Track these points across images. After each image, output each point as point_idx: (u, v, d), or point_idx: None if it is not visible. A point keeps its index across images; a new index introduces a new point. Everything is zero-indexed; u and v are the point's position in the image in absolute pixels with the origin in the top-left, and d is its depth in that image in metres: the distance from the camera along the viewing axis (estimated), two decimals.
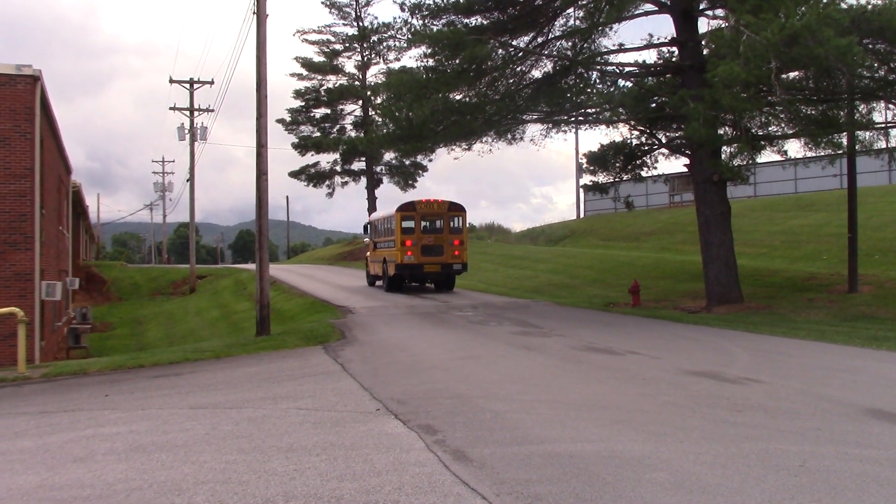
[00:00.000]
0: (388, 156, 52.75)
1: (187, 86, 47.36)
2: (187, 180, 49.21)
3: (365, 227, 34.19)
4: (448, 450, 6.78)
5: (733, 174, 20.79)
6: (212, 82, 47.68)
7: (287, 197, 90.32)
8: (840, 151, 22.37)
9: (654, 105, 23.55)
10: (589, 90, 23.53)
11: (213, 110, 49.62)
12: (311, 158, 57.44)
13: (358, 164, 57.58)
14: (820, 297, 21.39)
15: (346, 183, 58.73)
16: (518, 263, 38.39)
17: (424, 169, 57.07)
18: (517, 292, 28.30)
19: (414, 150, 24.61)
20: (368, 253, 33.45)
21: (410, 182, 57.46)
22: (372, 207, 54.58)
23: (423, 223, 28.41)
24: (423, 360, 12.75)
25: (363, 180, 57.81)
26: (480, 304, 23.63)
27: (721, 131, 21.41)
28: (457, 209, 28.86)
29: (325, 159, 57.71)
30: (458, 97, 23.40)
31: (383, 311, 21.89)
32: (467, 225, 30.04)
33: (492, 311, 21.79)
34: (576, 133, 57.49)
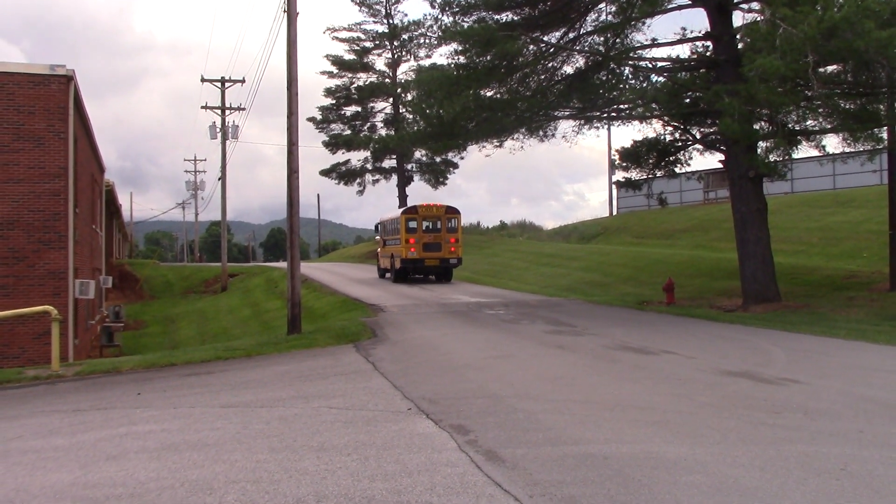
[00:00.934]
0: (419, 153, 52.83)
1: (218, 84, 47.77)
2: (219, 178, 49.72)
3: (376, 227, 39.29)
4: (480, 450, 6.75)
5: (769, 170, 20.52)
6: (243, 81, 48.07)
7: (318, 195, 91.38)
8: (881, 146, 21.95)
9: (687, 100, 23.30)
10: (621, 86, 23.36)
11: (244, 109, 50.18)
12: (341, 156, 57.80)
13: (388, 162, 57.73)
14: (860, 296, 21.01)
15: (376, 181, 59.02)
16: (550, 261, 38.28)
17: (455, 166, 57.16)
18: (549, 290, 28.23)
19: (445, 147, 24.65)
20: (379, 249, 38.44)
21: (441, 179, 57.61)
22: (403, 205, 54.66)
23: (424, 224, 32.66)
24: (455, 359, 12.73)
25: (394, 178, 57.97)
26: (512, 303, 23.60)
27: (757, 126, 21.10)
28: (453, 212, 33.20)
29: (356, 157, 58.00)
30: (489, 94, 23.34)
31: (415, 310, 21.92)
32: (461, 225, 34.13)
33: (524, 309, 21.74)
34: (608, 129, 57.00)
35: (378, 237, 39.14)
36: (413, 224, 32.55)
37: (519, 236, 57.11)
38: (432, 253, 32.55)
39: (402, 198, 56.26)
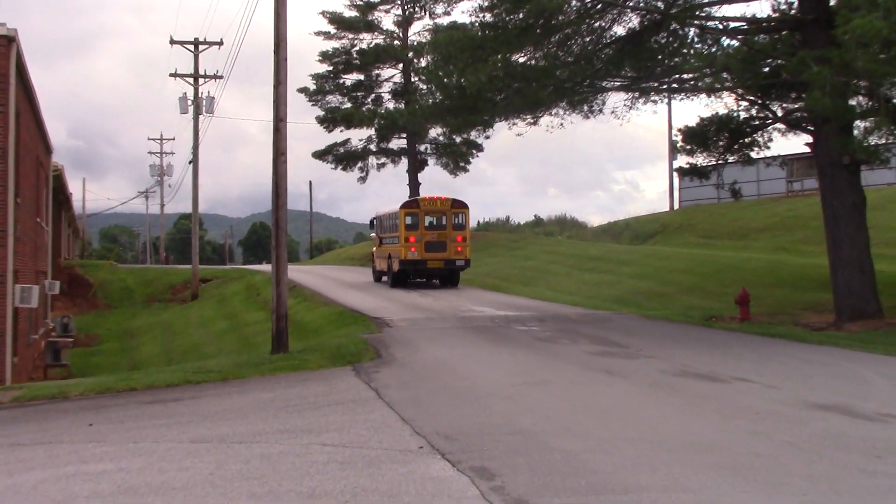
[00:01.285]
0: (435, 132, 52.82)
1: (191, 48, 48.04)
2: (190, 162, 49.93)
3: (371, 223, 40.84)
4: (508, 499, 6.73)
5: (869, 155, 20.33)
6: (220, 43, 48.32)
7: (310, 182, 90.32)
8: None
9: (767, 69, 23.13)
10: (685, 51, 23.22)
11: (221, 77, 50.21)
12: (339, 135, 57.89)
13: (397, 143, 57.84)
14: None
15: (382, 165, 59.12)
16: (596, 266, 38.12)
17: (479, 148, 57.12)
18: (595, 302, 28.15)
19: (466, 124, 24.62)
20: (374, 249, 40.29)
21: (461, 164, 57.63)
22: (415, 194, 54.63)
23: (426, 220, 34.08)
24: (478, 385, 12.73)
25: (404, 162, 58.03)
26: (549, 317, 23.59)
27: (853, 102, 20.94)
28: (460, 206, 34.43)
29: (358, 136, 58.23)
30: (521, 59, 23.28)
31: (428, 325, 21.93)
32: (470, 222, 35.59)
33: (563, 325, 21.70)
34: (668, 104, 56.59)
35: (374, 234, 40.94)
36: (414, 220, 33.80)
37: (557, 235, 57.04)
38: (436, 253, 33.74)
39: (414, 186, 56.31)
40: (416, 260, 33.56)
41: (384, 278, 37.75)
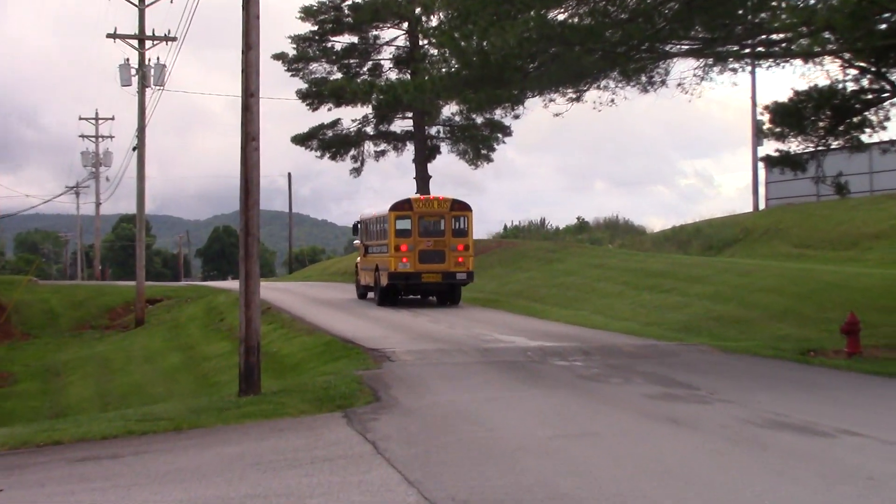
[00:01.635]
0: (450, 110, 52.90)
1: (135, 0, 48.05)
2: (134, 148, 49.98)
3: (355, 228, 43.04)
4: None
5: None
6: None
7: (289, 175, 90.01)
8: None
9: (883, 26, 23.01)
10: (774, 3, 23.14)
11: (174, 39, 50.19)
12: (327, 114, 58.02)
13: (401, 124, 58.09)
14: None
15: (381, 154, 59.29)
16: (657, 284, 37.75)
17: (506, 131, 57.21)
18: (655, 330, 27.96)
19: (490, 100, 24.61)
20: (359, 259, 41.93)
21: (484, 151, 57.62)
22: (423, 189, 54.49)
23: (421, 224, 35.66)
24: (505, 437, 12.68)
25: (409, 149, 58.08)
26: (596, 349, 23.42)
27: None
28: (461, 208, 36.32)
29: (350, 116, 58.16)
30: (560, 17, 23.24)
31: (441, 358, 21.85)
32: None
33: (614, 359, 21.56)
34: (752, 73, 56.32)
35: (358, 242, 42.93)
36: (406, 224, 35.29)
37: (607, 243, 56.96)
38: (432, 265, 35.15)
39: (422, 180, 56.23)
40: (409, 273, 34.87)
41: (370, 294, 39.02)
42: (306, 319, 32.06)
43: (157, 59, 49.98)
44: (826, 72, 26.12)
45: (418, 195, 37.31)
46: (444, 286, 35.91)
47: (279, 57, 57.30)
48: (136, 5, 48.18)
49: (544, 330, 28.32)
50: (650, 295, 35.63)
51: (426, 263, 34.86)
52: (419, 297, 37.79)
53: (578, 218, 70.30)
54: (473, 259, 36.34)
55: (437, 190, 51.81)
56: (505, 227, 67.34)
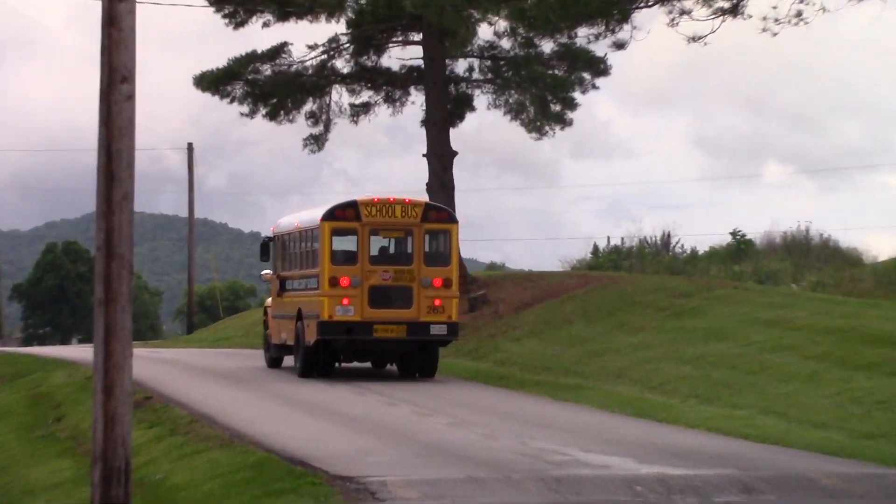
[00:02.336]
0: (493, 29, 39.41)
1: None
2: None
3: (264, 248, 34.26)
4: None
5: None
6: None
7: (190, 148, 66.02)
8: None
9: None
10: None
11: None
12: (260, 36, 42.77)
13: (401, 55, 43.68)
14: None
15: (363, 108, 44.62)
16: (886, 359, 29.17)
17: (599, 70, 42.15)
18: (881, 446, 20.96)
19: (572, 7, 20.26)
20: (269, 300, 34.14)
21: (557, 107, 42.64)
22: (441, 177, 41.17)
23: (374, 244, 28.44)
24: None
25: (416, 102, 44.90)
26: (768, 478, 17.12)
27: None
28: (440, 217, 29.00)
29: (306, 37, 42.52)
30: None
31: (468, 496, 15.59)
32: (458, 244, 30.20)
33: (804, 500, 16.10)
34: None
35: (268, 272, 33.87)
36: (349, 244, 28.39)
37: (789, 280, 44.11)
38: (390, 309, 27.61)
39: (440, 159, 42.40)
40: (353, 322, 27.19)
41: (289, 359, 30.77)
42: (218, 419, 23.75)
43: None
44: None
45: (370, 196, 27.98)
46: (410, 345, 27.84)
47: None
48: None
49: (668, 443, 21.29)
50: (870, 380, 27.64)
51: (381, 308, 27.17)
52: (370, 364, 30.14)
53: (734, 232, 52.08)
54: (458, 302, 28.81)
55: (467, 177, 40.94)
56: (595, 248, 53.19)
